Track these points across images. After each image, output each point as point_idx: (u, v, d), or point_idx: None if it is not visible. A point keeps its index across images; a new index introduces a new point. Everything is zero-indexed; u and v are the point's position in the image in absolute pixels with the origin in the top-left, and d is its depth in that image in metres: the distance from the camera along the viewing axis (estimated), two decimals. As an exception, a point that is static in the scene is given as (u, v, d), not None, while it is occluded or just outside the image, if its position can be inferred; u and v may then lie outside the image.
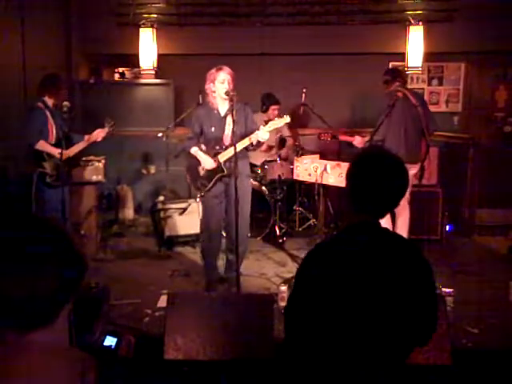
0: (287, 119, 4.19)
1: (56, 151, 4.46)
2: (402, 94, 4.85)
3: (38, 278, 1.20)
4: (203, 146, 4.31)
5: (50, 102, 4.58)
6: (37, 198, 4.48)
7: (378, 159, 1.93)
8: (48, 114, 4.55)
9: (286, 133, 6.27)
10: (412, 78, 7.04)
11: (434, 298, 1.90)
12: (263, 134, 4.10)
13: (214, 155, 4.24)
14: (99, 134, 4.75)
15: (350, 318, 1.79)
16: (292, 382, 2.07)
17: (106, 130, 4.77)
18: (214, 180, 4.25)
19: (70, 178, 4.78)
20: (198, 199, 4.56)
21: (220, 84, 4.13)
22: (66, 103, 4.45)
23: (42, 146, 4.50)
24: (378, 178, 1.86)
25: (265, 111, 6.12)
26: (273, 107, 6.09)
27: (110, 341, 3.00)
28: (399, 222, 4.90)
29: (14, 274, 1.19)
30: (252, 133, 4.16)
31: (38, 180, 4.50)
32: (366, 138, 4.82)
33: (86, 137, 4.75)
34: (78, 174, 5.05)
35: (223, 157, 4.20)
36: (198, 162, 4.30)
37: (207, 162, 4.25)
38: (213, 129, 4.24)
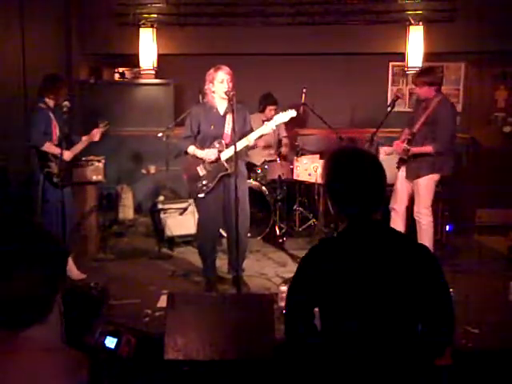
0: (293, 113, 4.18)
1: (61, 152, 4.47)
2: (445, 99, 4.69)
3: (23, 276, 1.20)
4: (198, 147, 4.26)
5: (51, 102, 4.57)
6: (43, 199, 4.47)
7: (351, 158, 1.87)
8: (51, 114, 4.54)
9: (283, 133, 6.25)
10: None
11: (448, 298, 1.83)
12: (267, 128, 4.14)
13: None
14: (97, 134, 4.77)
15: (356, 317, 1.79)
16: (293, 381, 2.06)
17: (102, 129, 4.81)
18: (216, 179, 4.21)
19: (71, 178, 4.78)
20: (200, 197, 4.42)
21: (219, 84, 4.12)
22: (66, 103, 4.43)
23: (49, 147, 4.48)
24: (356, 177, 1.82)
25: (262, 111, 6.12)
26: (270, 107, 6.07)
27: (110, 341, 2.99)
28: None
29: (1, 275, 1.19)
30: (248, 134, 4.17)
31: (44, 181, 4.49)
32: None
33: (84, 137, 4.74)
34: (78, 174, 5.04)
35: (225, 156, 4.18)
36: (197, 163, 4.25)
37: (210, 154, 4.18)
38: (212, 127, 4.21)
